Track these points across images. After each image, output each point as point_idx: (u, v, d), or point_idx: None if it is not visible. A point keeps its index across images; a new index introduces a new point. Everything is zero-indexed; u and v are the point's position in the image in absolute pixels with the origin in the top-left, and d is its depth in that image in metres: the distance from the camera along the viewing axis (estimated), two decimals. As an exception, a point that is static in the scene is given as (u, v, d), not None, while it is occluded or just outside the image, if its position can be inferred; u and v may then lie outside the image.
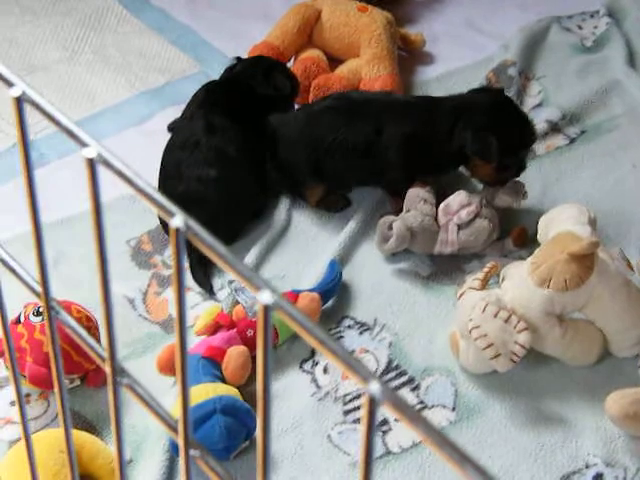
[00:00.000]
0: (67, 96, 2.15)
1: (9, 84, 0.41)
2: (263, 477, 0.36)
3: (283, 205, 1.90)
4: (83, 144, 0.40)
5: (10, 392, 1.57)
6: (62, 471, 1.38)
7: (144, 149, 1.97)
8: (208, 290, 1.73)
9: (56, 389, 0.48)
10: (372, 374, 0.33)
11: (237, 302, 1.67)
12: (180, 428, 0.41)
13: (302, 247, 1.82)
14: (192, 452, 0.42)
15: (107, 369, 0.45)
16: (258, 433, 0.37)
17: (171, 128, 1.93)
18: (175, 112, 2.05)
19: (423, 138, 1.80)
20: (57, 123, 0.40)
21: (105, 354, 0.45)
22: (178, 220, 0.37)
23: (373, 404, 0.33)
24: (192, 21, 2.36)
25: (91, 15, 2.40)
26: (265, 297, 0.35)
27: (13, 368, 0.51)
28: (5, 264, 0.49)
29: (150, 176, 1.82)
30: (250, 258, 1.77)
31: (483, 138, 1.74)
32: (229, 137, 1.82)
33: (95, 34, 2.34)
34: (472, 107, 1.78)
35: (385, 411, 1.58)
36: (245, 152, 1.83)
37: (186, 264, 1.72)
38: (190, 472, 0.42)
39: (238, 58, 2.00)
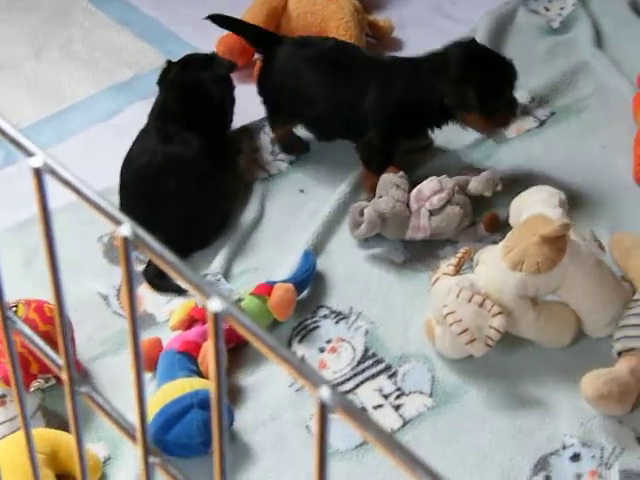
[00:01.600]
0: (34, 93, 2.13)
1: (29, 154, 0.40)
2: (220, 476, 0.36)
3: (255, 197, 1.89)
4: (29, 153, 0.39)
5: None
6: (40, 471, 1.38)
7: (113, 144, 1.95)
8: (161, 290, 1.71)
9: (15, 398, 0.48)
10: (322, 380, 0.33)
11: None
12: (138, 436, 0.41)
13: (275, 238, 1.82)
14: (152, 459, 0.42)
15: (64, 377, 0.45)
16: (214, 436, 0.36)
17: (134, 142, 1.87)
18: (143, 106, 2.04)
19: (407, 99, 1.82)
20: (2, 132, 0.40)
21: (61, 362, 0.44)
22: (125, 229, 0.37)
23: (324, 410, 0.32)
24: (158, 13, 2.35)
25: (56, 10, 2.38)
26: (215, 305, 0.35)
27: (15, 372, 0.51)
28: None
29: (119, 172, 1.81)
30: (224, 251, 1.76)
31: (459, 90, 1.76)
32: (185, 143, 1.80)
33: (61, 29, 2.32)
34: (447, 61, 1.80)
35: (363, 400, 1.58)
36: (203, 156, 1.81)
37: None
38: (151, 479, 0.42)
39: (169, 61, 1.97)
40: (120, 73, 2.18)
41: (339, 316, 1.67)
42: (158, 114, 1.88)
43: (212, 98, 1.91)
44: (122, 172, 1.81)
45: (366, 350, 1.62)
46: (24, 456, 1.37)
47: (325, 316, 1.67)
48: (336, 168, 1.94)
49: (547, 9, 2.33)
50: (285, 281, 1.66)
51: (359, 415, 0.32)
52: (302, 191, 1.91)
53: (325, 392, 0.32)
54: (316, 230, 1.80)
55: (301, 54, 1.89)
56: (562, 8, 2.32)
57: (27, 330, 0.47)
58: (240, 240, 1.81)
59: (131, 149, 1.83)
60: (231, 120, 1.99)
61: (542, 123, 2.04)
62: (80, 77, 2.18)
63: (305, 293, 1.70)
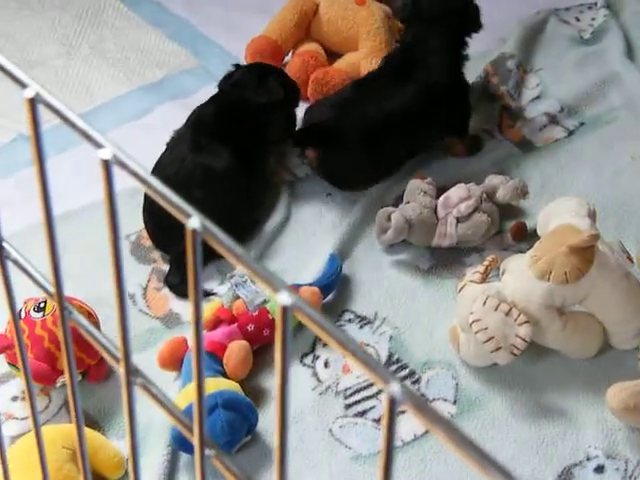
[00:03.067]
0: (65, 91, 2.15)
1: (23, 85, 0.41)
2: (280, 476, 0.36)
3: (283, 200, 1.89)
4: (98, 145, 0.40)
5: (11, 388, 1.57)
6: (64, 466, 1.39)
7: (143, 144, 1.96)
8: (181, 295, 1.72)
9: (69, 390, 0.49)
10: (392, 375, 0.33)
11: (237, 297, 1.67)
12: (195, 429, 0.41)
13: (302, 241, 1.82)
14: (207, 452, 0.42)
15: (121, 369, 0.45)
16: (275, 434, 0.37)
17: (167, 145, 1.87)
18: (173, 106, 2.05)
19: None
20: (72, 125, 0.40)
21: (119, 354, 0.45)
22: (194, 221, 0.37)
23: (393, 404, 0.33)
24: (189, 15, 2.36)
25: (88, 9, 2.39)
26: (284, 298, 0.35)
27: (24, 365, 0.51)
28: (17, 264, 0.49)
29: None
30: (251, 253, 1.77)
31: None
32: (215, 154, 1.80)
33: (92, 29, 2.33)
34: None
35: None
36: (233, 168, 1.81)
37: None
38: (205, 472, 0.42)
39: (237, 65, 1.95)
40: (150, 73, 2.19)
41: (364, 321, 1.68)
42: (196, 123, 1.86)
43: (255, 120, 1.88)
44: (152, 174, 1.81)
45: (390, 355, 1.62)
46: (48, 450, 1.38)
47: (350, 320, 1.68)
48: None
49: (578, 19, 2.32)
50: (311, 284, 1.66)
51: (428, 410, 0.32)
52: (329, 194, 1.92)
53: (395, 387, 0.33)
54: (342, 234, 1.80)
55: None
56: (593, 19, 2.32)
57: (83, 321, 0.48)
58: (267, 242, 1.81)
59: (163, 154, 1.83)
60: (278, 138, 1.96)
61: (571, 133, 2.04)
62: (111, 76, 2.19)
63: (330, 297, 1.71)
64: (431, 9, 1.91)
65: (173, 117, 1.96)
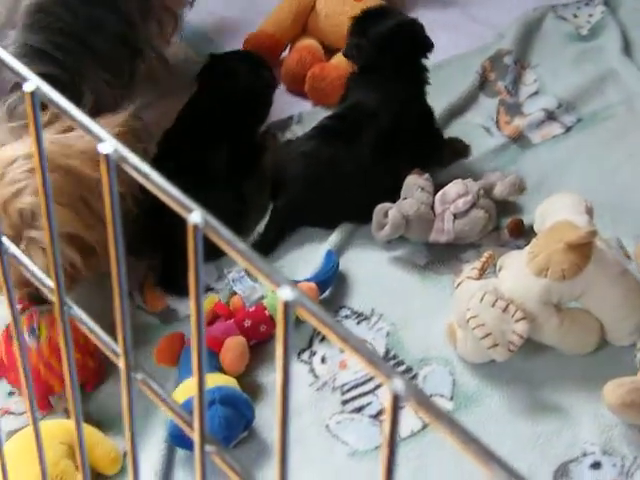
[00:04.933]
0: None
1: (22, 79, 0.40)
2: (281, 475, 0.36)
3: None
4: (99, 139, 0.39)
5: (7, 383, 1.57)
6: (61, 462, 1.38)
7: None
8: (174, 293, 1.71)
9: (68, 394, 0.48)
10: (395, 371, 0.33)
11: (234, 292, 1.67)
12: (196, 425, 0.41)
13: (298, 237, 1.82)
14: (208, 448, 0.42)
15: (121, 365, 0.45)
16: (277, 430, 0.37)
17: (161, 139, 1.86)
18: (170, 100, 2.04)
19: None
20: (72, 118, 0.40)
21: (119, 350, 0.45)
22: (196, 216, 0.37)
23: (397, 401, 0.33)
24: (186, 10, 2.35)
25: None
26: (286, 293, 0.35)
27: (24, 364, 0.51)
28: (17, 259, 0.49)
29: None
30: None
31: None
32: (214, 151, 1.79)
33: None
34: None
35: (383, 401, 1.58)
36: (223, 169, 1.80)
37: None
38: (205, 468, 0.42)
39: (211, 55, 1.95)
40: (147, 68, 2.18)
41: (360, 317, 1.68)
42: (188, 114, 1.87)
43: (247, 107, 1.89)
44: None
45: (387, 352, 1.62)
46: (45, 445, 1.38)
47: (347, 317, 1.67)
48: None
49: (576, 16, 2.32)
50: (308, 280, 1.66)
51: (431, 406, 0.32)
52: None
53: (398, 383, 0.32)
54: (339, 230, 1.80)
55: None
56: (591, 15, 2.32)
57: (83, 316, 0.48)
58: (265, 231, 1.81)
59: (159, 146, 1.83)
60: (262, 122, 1.98)
61: (568, 129, 2.04)
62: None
63: (327, 293, 1.70)
64: (379, 44, 1.86)
65: (169, 110, 1.95)
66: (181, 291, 1.70)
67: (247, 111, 1.89)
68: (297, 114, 2.06)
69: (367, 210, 1.75)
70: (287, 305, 0.35)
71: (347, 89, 1.92)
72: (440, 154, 1.94)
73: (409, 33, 1.89)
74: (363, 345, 0.34)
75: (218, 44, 2.23)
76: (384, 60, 1.86)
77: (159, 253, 1.75)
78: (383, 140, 1.81)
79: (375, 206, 1.75)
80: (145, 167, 0.39)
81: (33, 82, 0.39)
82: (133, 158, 0.39)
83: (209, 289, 1.71)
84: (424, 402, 0.32)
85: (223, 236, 0.37)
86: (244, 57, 1.97)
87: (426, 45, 1.89)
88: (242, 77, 1.90)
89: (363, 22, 1.90)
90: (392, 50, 1.86)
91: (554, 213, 1.65)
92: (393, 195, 1.78)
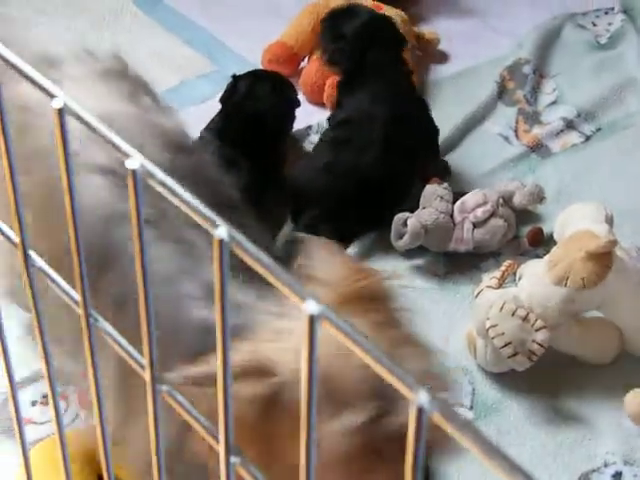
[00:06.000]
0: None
1: (50, 95, 0.41)
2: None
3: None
4: (125, 155, 0.40)
5: (30, 392, 1.57)
6: (85, 469, 1.39)
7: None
8: None
9: (94, 407, 0.49)
10: (420, 385, 0.33)
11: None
12: (221, 437, 0.42)
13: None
14: (233, 459, 0.42)
15: (146, 377, 0.45)
16: (302, 443, 0.37)
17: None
18: (190, 112, 2.05)
19: None
20: (99, 134, 0.41)
21: (145, 361, 0.45)
22: (222, 231, 0.38)
23: (422, 414, 0.33)
24: (205, 20, 2.36)
25: (104, 15, 2.40)
26: (311, 307, 0.35)
27: (48, 367, 0.52)
28: (44, 272, 0.50)
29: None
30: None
31: None
32: (238, 170, 1.78)
33: (109, 34, 2.34)
34: None
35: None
36: (249, 192, 1.80)
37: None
38: None
39: (234, 76, 1.96)
40: (166, 79, 2.20)
41: (380, 326, 1.67)
42: (216, 134, 1.87)
43: (273, 127, 1.90)
44: None
45: (407, 361, 1.62)
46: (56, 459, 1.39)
47: (367, 326, 1.67)
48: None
49: (595, 24, 2.32)
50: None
51: (457, 419, 0.32)
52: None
53: (423, 396, 0.33)
54: (358, 240, 1.80)
55: None
56: (610, 24, 2.31)
57: (109, 328, 0.48)
58: (283, 247, 1.81)
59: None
60: (285, 141, 1.98)
61: (588, 138, 2.03)
62: (127, 82, 2.19)
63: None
64: (358, 42, 1.90)
65: (190, 122, 1.96)
66: None
67: (270, 133, 1.89)
68: (316, 124, 2.06)
69: (390, 214, 1.76)
70: (312, 318, 0.36)
71: (339, 95, 1.95)
72: (436, 144, 1.94)
73: (384, 28, 1.94)
74: (389, 360, 0.34)
75: (237, 53, 2.24)
76: (367, 58, 1.89)
77: None
78: (391, 138, 1.83)
79: (397, 207, 1.76)
80: (171, 182, 0.40)
81: (61, 99, 0.40)
82: (160, 174, 0.40)
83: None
84: (450, 415, 0.32)
85: (249, 251, 0.38)
86: (266, 77, 1.98)
87: (401, 39, 1.95)
88: (264, 99, 1.90)
89: (335, 24, 1.94)
90: (372, 46, 1.89)
91: (574, 222, 1.65)
92: (410, 192, 1.80)
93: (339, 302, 0.92)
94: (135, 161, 0.39)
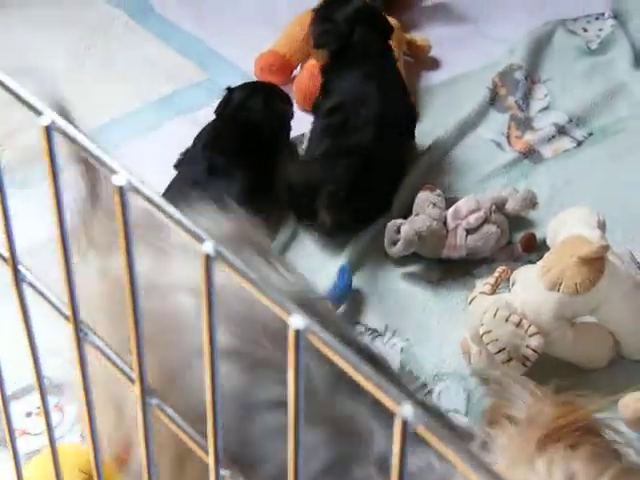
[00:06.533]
0: (74, 108, 2.15)
1: (37, 112, 0.41)
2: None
3: (292, 213, 1.90)
4: (112, 171, 0.40)
5: (25, 404, 1.57)
6: None
7: (153, 159, 1.97)
8: None
9: (84, 421, 0.49)
10: (404, 397, 0.33)
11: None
12: (210, 449, 0.42)
13: (312, 255, 1.82)
14: (222, 472, 0.42)
15: (136, 391, 0.46)
16: (290, 455, 0.37)
17: (175, 166, 1.87)
18: (183, 121, 2.06)
19: None
20: (87, 152, 0.41)
21: (134, 375, 0.45)
22: (208, 246, 0.38)
23: (405, 427, 0.33)
24: (197, 29, 2.37)
25: (97, 25, 2.41)
26: (296, 321, 0.36)
27: (39, 378, 0.52)
28: (32, 286, 0.50)
29: (160, 187, 1.81)
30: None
31: None
32: (230, 180, 1.79)
33: (102, 44, 2.35)
34: None
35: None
36: (245, 196, 1.80)
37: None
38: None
39: (228, 88, 1.96)
40: (159, 88, 2.20)
41: (374, 333, 1.68)
42: (207, 143, 1.87)
43: (267, 139, 1.91)
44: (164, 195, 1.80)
45: (402, 368, 1.62)
46: (65, 473, 1.38)
47: (361, 333, 1.68)
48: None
49: (585, 30, 2.33)
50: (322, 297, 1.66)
51: (442, 433, 0.33)
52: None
53: (407, 409, 0.33)
54: (352, 247, 1.80)
55: None
56: (600, 29, 2.32)
57: (99, 342, 0.48)
58: (282, 250, 1.81)
59: (176, 176, 1.84)
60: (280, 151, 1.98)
61: (579, 144, 2.04)
62: (120, 91, 2.20)
63: (341, 310, 1.71)
64: (346, 24, 1.95)
65: (183, 132, 1.97)
66: None
67: (265, 144, 1.90)
68: (309, 131, 2.06)
69: (393, 192, 1.84)
70: (298, 333, 0.36)
71: (326, 80, 1.97)
72: (413, 125, 1.98)
73: (373, 14, 1.99)
74: (373, 372, 0.34)
75: (229, 62, 2.24)
76: (355, 39, 1.93)
77: None
78: (385, 115, 1.86)
79: (399, 185, 1.83)
80: (158, 198, 0.40)
81: (48, 116, 0.40)
82: (146, 190, 0.40)
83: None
84: (433, 428, 0.33)
85: (235, 267, 0.38)
86: (261, 89, 1.98)
87: (388, 27, 2.00)
88: (259, 112, 1.90)
89: (325, 10, 1.99)
90: (360, 29, 1.94)
91: (566, 227, 1.66)
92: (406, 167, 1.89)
93: (550, 439, 0.89)
94: (121, 177, 0.39)
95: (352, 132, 1.84)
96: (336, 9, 1.98)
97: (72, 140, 0.41)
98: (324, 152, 1.84)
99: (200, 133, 1.91)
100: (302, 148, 2.04)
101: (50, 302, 0.49)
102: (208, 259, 0.38)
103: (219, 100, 1.96)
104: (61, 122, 0.41)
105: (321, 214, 1.80)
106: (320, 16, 1.99)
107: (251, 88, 1.98)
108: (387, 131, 1.85)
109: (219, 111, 1.94)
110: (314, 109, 1.98)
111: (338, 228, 1.81)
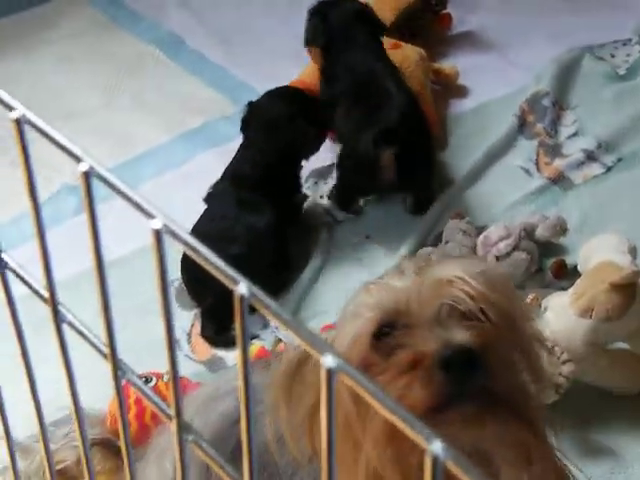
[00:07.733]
0: (105, 141, 2.18)
1: (77, 159, 0.43)
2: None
3: (321, 241, 1.91)
4: (150, 216, 0.42)
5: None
6: None
7: (183, 191, 2.00)
8: (218, 346, 1.74)
9: (124, 454, 0.50)
10: (435, 434, 0.34)
11: (279, 339, 1.69)
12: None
13: (342, 281, 1.83)
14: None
15: (173, 427, 0.47)
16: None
17: (205, 199, 1.88)
18: (213, 153, 2.08)
19: None
20: (125, 197, 0.43)
21: (171, 412, 0.47)
22: (242, 288, 0.39)
23: (436, 463, 0.34)
24: (227, 62, 2.40)
25: (128, 59, 2.45)
26: (329, 361, 0.37)
27: (78, 411, 0.53)
28: (73, 326, 0.52)
29: (189, 219, 1.82)
30: (292, 296, 1.79)
31: None
32: (258, 210, 1.81)
33: (132, 78, 2.39)
34: None
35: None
36: (274, 222, 1.81)
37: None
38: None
39: (250, 104, 1.95)
40: (190, 121, 2.23)
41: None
42: (234, 177, 1.88)
43: (293, 165, 1.93)
44: (193, 231, 1.78)
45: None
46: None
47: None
48: (403, 215, 1.96)
49: (613, 56, 2.33)
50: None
51: (471, 468, 0.34)
52: (368, 237, 1.93)
53: (437, 446, 0.34)
54: (382, 274, 1.81)
55: None
56: (628, 55, 2.32)
57: (137, 380, 0.50)
58: (307, 285, 1.83)
59: (205, 211, 1.85)
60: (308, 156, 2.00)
61: (609, 169, 2.04)
62: (151, 125, 2.23)
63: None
64: (336, 18, 2.01)
65: (213, 164, 1.99)
66: (221, 344, 1.73)
67: (289, 176, 1.92)
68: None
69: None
70: (330, 372, 0.37)
71: (326, 81, 2.03)
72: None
73: (365, 11, 2.05)
74: (402, 410, 0.35)
75: (259, 94, 2.27)
76: (346, 35, 1.99)
77: (202, 304, 1.78)
78: (399, 85, 1.93)
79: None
80: (193, 241, 0.42)
81: (87, 163, 0.42)
82: (182, 233, 0.42)
83: (254, 337, 1.73)
84: (463, 464, 0.34)
85: (269, 307, 0.39)
86: (285, 96, 1.97)
87: (381, 25, 2.06)
88: (283, 130, 1.91)
89: (316, 8, 2.05)
90: (352, 24, 2.00)
91: (597, 254, 1.65)
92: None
93: None
94: (158, 221, 0.40)
95: (377, 108, 1.87)
96: (327, 8, 2.04)
97: (111, 186, 0.42)
98: (357, 128, 1.87)
99: (227, 167, 1.92)
100: (331, 177, 2.04)
101: (89, 341, 0.51)
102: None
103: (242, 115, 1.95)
104: (100, 169, 0.42)
105: (384, 164, 1.84)
106: (314, 14, 2.05)
107: (273, 99, 1.96)
108: (407, 99, 1.90)
109: (243, 127, 1.94)
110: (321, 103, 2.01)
111: (399, 179, 1.87)
